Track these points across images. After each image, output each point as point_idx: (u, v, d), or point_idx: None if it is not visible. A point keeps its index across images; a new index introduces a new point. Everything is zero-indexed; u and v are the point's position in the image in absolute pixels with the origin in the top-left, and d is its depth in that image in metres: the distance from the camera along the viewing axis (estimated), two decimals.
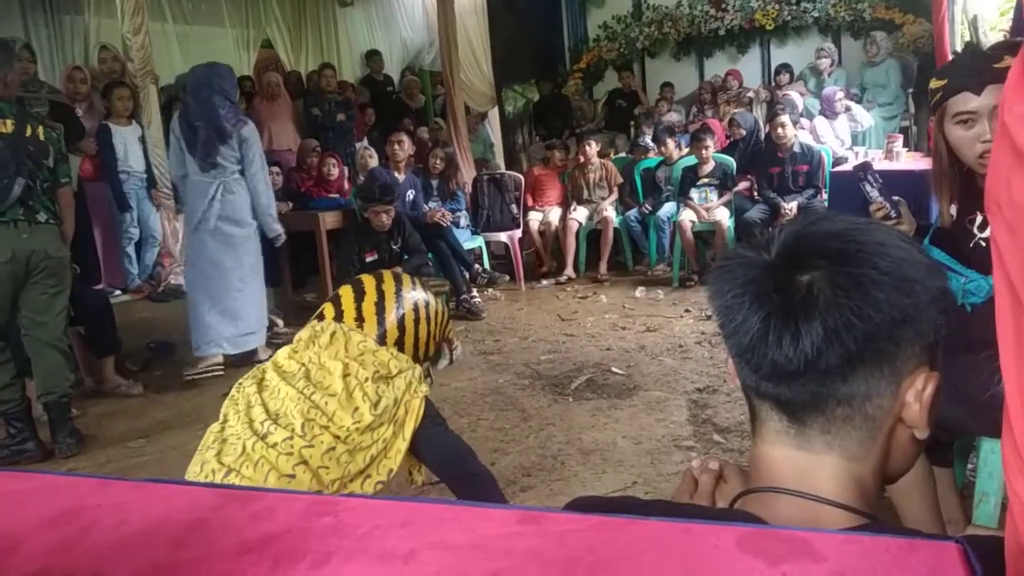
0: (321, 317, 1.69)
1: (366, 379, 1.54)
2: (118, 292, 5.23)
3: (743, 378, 0.73)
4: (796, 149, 5.47)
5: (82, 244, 4.11)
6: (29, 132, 3.12)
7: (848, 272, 0.65)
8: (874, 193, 2.06)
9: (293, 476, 1.43)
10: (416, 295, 1.75)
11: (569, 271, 6.09)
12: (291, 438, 1.45)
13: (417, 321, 1.72)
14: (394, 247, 4.87)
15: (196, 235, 4.09)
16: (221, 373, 4.02)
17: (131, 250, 5.35)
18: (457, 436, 1.74)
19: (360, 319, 1.66)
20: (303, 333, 1.66)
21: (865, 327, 0.65)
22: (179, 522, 0.76)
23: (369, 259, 4.74)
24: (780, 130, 5.43)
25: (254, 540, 0.71)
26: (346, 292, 1.72)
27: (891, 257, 0.66)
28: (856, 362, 0.66)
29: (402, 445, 1.56)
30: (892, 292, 0.65)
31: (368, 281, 1.74)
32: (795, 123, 5.79)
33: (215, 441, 1.50)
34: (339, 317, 1.66)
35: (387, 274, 1.78)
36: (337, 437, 1.47)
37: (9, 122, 3.06)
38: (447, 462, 1.67)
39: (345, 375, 1.54)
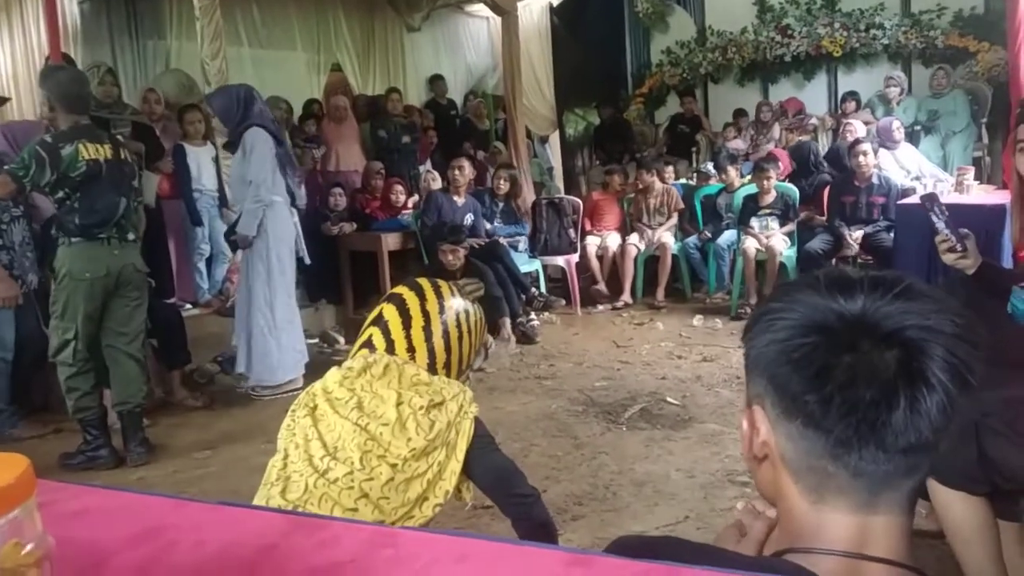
0: (370, 345, 1.69)
1: (420, 407, 1.55)
2: (188, 306, 5.43)
3: (813, 448, 0.70)
4: (874, 180, 5.34)
5: (159, 259, 4.30)
6: (123, 156, 3.35)
7: (955, 363, 0.67)
8: (940, 224, 2.06)
9: (356, 510, 1.46)
10: (457, 306, 1.73)
11: (626, 296, 6.08)
12: (351, 473, 1.48)
13: (460, 337, 1.72)
14: None
15: (283, 262, 4.23)
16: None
17: (202, 266, 5.56)
18: (505, 456, 1.74)
19: (411, 349, 1.67)
20: (355, 363, 1.65)
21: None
22: (251, 546, 0.82)
23: None
24: (861, 158, 5.28)
25: (321, 567, 0.76)
26: (392, 316, 1.70)
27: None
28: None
29: (456, 466, 1.58)
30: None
31: (412, 301, 1.71)
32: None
33: (279, 478, 1.53)
34: (390, 348, 1.67)
35: (428, 289, 1.74)
36: (394, 466, 1.50)
37: (107, 147, 3.27)
38: (496, 482, 1.68)
39: (399, 403, 1.55)
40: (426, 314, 1.70)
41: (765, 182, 5.64)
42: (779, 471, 0.74)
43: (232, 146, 4.27)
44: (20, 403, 3.83)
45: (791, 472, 0.73)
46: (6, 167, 3.22)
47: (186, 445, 3.59)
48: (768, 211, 5.68)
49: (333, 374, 1.65)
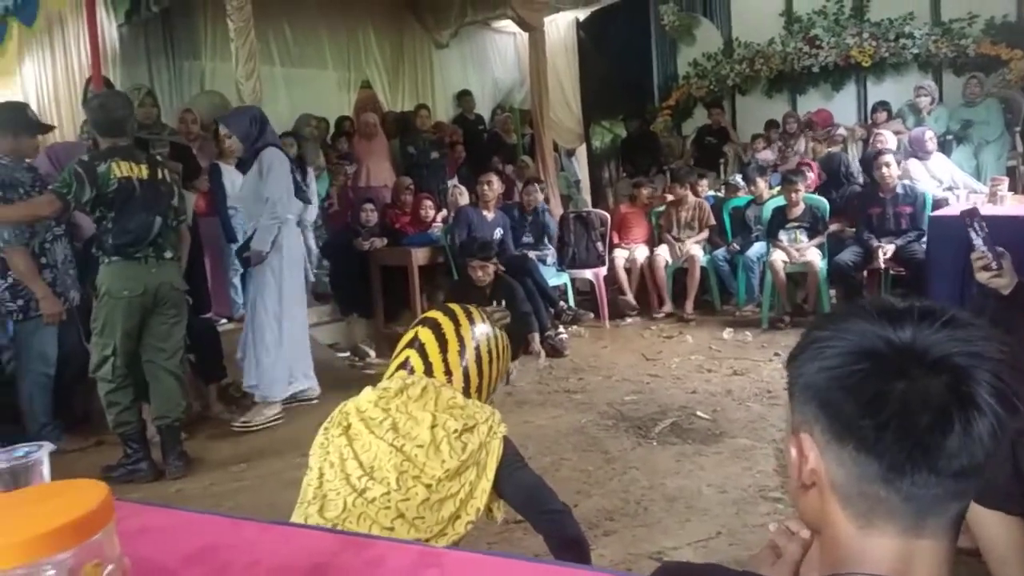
0: (407, 367, 1.75)
1: (454, 431, 1.60)
2: (224, 320, 5.53)
3: (865, 473, 0.70)
4: (899, 190, 5.33)
5: (195, 275, 4.39)
6: (160, 176, 3.43)
7: (1002, 387, 0.69)
8: (978, 241, 2.05)
9: (392, 529, 1.50)
10: (488, 332, 1.80)
11: (667, 307, 6.10)
12: (388, 493, 1.53)
13: (490, 362, 1.79)
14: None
15: (293, 278, 4.27)
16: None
17: (237, 281, 5.66)
18: (534, 474, 1.76)
19: (448, 372, 1.73)
20: (391, 384, 1.70)
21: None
22: (303, 566, 0.85)
23: None
24: (884, 169, 5.28)
25: None
26: (429, 340, 1.76)
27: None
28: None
29: (486, 485, 1.61)
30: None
31: (447, 325, 1.78)
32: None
33: (315, 497, 1.58)
34: (428, 371, 1.72)
35: (461, 314, 1.81)
36: (429, 487, 1.54)
37: (143, 167, 3.37)
38: (527, 500, 1.71)
39: (433, 426, 1.60)
40: (461, 339, 1.76)
41: (793, 195, 5.61)
42: (827, 498, 0.75)
43: (245, 164, 4.33)
44: (62, 417, 3.94)
45: (840, 498, 0.73)
46: (50, 187, 3.33)
47: (222, 458, 3.66)
48: (796, 224, 5.64)
49: (367, 394, 1.70)
